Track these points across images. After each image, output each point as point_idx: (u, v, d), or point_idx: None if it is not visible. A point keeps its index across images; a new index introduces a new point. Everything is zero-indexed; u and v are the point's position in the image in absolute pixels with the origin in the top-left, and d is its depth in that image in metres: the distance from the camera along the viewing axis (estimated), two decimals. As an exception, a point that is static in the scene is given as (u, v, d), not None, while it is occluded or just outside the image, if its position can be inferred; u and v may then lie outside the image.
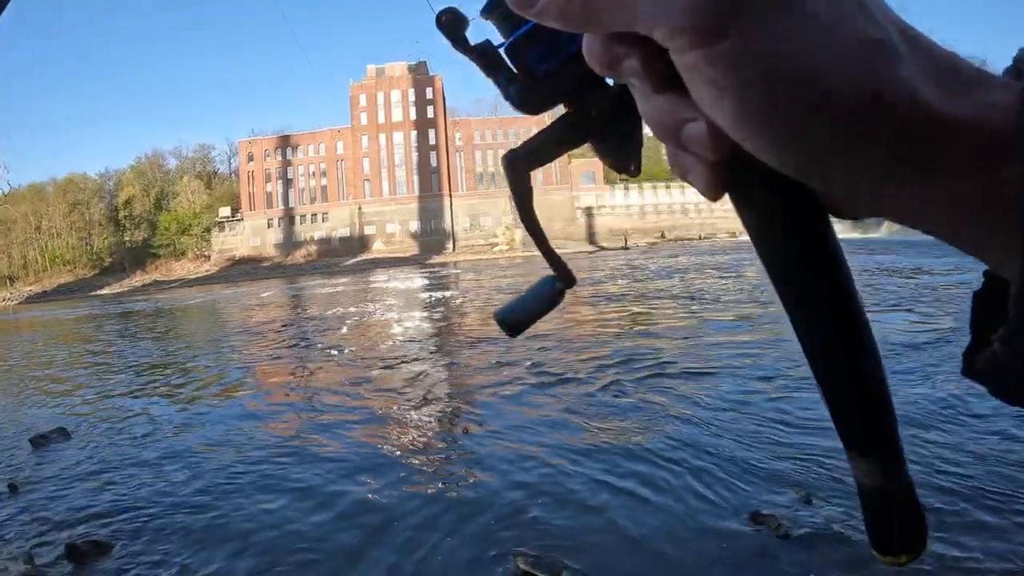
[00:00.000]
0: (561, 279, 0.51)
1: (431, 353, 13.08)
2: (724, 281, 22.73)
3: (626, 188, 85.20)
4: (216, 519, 5.26)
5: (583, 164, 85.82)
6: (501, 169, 0.47)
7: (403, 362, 12.00)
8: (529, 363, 10.64)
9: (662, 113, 0.38)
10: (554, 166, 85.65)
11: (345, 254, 79.69)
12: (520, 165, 0.47)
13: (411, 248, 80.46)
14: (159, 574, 4.59)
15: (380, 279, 43.90)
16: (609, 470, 5.64)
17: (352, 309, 23.86)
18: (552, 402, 8.03)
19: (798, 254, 0.39)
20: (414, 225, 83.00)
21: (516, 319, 0.53)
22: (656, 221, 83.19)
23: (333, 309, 23.96)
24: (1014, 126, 0.31)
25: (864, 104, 0.31)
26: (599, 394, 8.22)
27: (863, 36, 0.32)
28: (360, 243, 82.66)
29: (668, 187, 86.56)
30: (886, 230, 51.70)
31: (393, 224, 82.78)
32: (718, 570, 4.06)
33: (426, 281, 38.28)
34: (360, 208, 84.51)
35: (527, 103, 0.45)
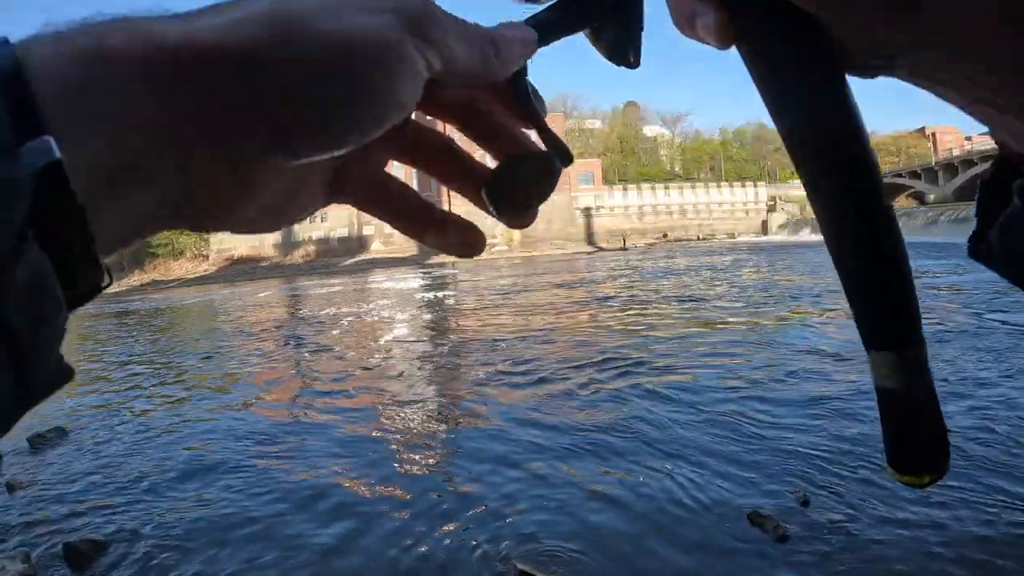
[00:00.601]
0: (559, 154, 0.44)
1: (422, 353, 13.08)
2: (718, 284, 22.72)
3: (624, 189, 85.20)
4: (212, 518, 5.27)
5: (581, 165, 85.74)
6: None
7: (393, 362, 12.02)
8: (519, 363, 10.66)
9: None
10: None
11: (343, 254, 79.64)
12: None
13: (409, 248, 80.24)
14: (155, 573, 4.60)
15: (378, 279, 43.91)
16: (602, 471, 5.65)
17: (347, 309, 23.86)
18: (542, 402, 8.03)
19: (811, 105, 0.37)
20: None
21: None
22: (655, 222, 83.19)
23: (328, 309, 23.96)
24: None
25: None
26: (591, 395, 8.23)
27: None
28: (359, 243, 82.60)
29: (667, 188, 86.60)
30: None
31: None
32: (716, 571, 4.06)
33: (424, 282, 38.30)
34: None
35: None
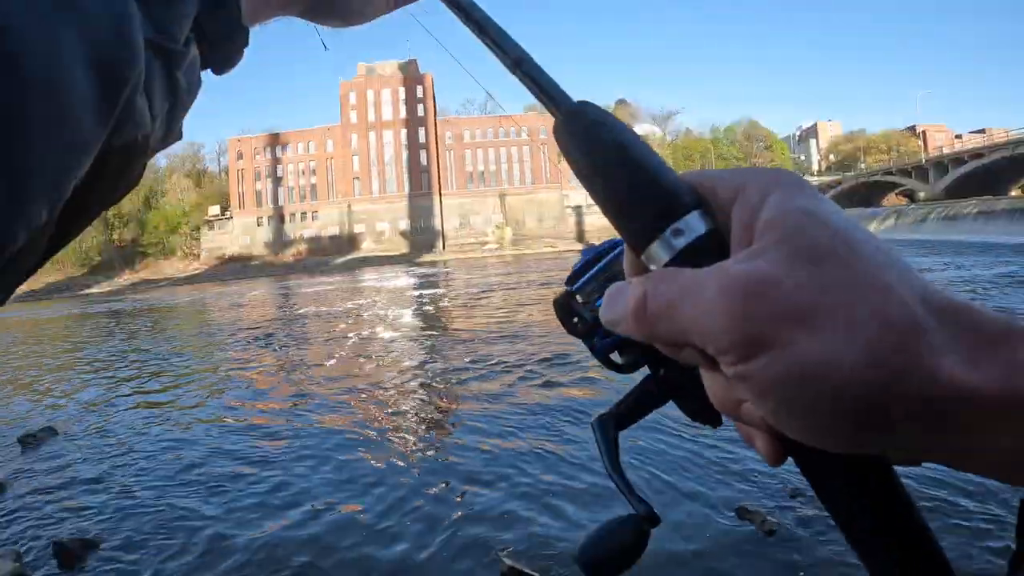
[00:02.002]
0: (645, 518, 0.49)
1: (410, 351, 13.11)
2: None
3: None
4: (201, 517, 5.28)
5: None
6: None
7: (381, 361, 12.05)
8: (505, 361, 10.69)
9: (722, 391, 0.42)
10: (544, 165, 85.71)
11: (334, 253, 79.51)
12: (609, 425, 0.53)
13: (401, 247, 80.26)
14: (144, 571, 4.60)
15: (369, 278, 43.89)
16: (588, 464, 5.67)
17: (338, 308, 23.87)
18: (527, 399, 8.07)
19: (864, 510, 0.41)
20: (404, 224, 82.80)
21: (599, 563, 0.50)
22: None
23: (319, 308, 23.94)
24: None
25: (883, 396, 0.34)
26: (575, 390, 8.28)
27: (881, 323, 0.35)
28: (350, 242, 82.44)
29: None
30: (874, 229, 51.91)
31: (383, 223, 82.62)
32: (704, 564, 4.09)
33: (413, 280, 38.30)
34: (350, 207, 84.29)
35: (613, 366, 0.52)
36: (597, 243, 0.51)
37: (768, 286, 0.36)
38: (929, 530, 0.40)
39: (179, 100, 0.40)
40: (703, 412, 0.48)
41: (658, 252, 0.42)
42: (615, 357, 0.52)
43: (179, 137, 0.40)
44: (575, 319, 0.53)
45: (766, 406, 0.38)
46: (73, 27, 0.30)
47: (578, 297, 0.54)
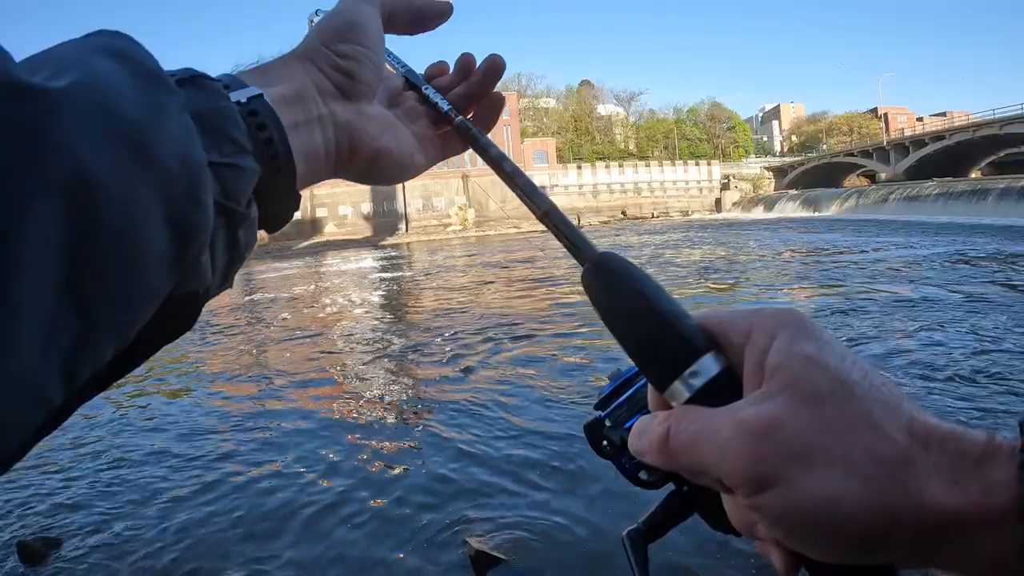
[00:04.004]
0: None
1: (373, 333, 13.05)
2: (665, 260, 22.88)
3: (579, 168, 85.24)
4: (167, 514, 5.20)
5: (535, 143, 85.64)
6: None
7: (345, 342, 11.99)
8: (475, 345, 10.67)
9: (739, 514, 0.46)
10: (507, 146, 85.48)
11: (297, 237, 78.62)
12: (639, 542, 0.55)
13: (364, 230, 79.67)
14: (110, 568, 4.52)
15: (332, 262, 43.63)
16: (563, 453, 5.66)
17: (299, 289, 23.75)
18: (497, 383, 8.06)
19: None
20: (366, 207, 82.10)
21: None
22: (609, 200, 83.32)
23: (282, 292, 23.78)
24: (1012, 500, 0.37)
25: (881, 524, 0.39)
26: (549, 380, 8.26)
27: (873, 459, 0.40)
28: (312, 226, 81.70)
29: (621, 167, 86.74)
30: (835, 210, 52.43)
31: (345, 206, 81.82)
32: (680, 555, 4.07)
33: (376, 264, 38.15)
34: (312, 190, 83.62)
35: (641, 483, 0.55)
36: (624, 368, 0.59)
37: (775, 429, 0.41)
38: None
39: (238, 256, 0.44)
40: (725, 525, 0.50)
41: (679, 391, 0.47)
42: (642, 475, 0.55)
43: (231, 286, 0.45)
44: (604, 443, 0.57)
45: (777, 532, 0.43)
46: (151, 183, 0.31)
47: (607, 421, 0.57)
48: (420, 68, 0.71)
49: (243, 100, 0.45)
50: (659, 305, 0.48)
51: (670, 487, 0.54)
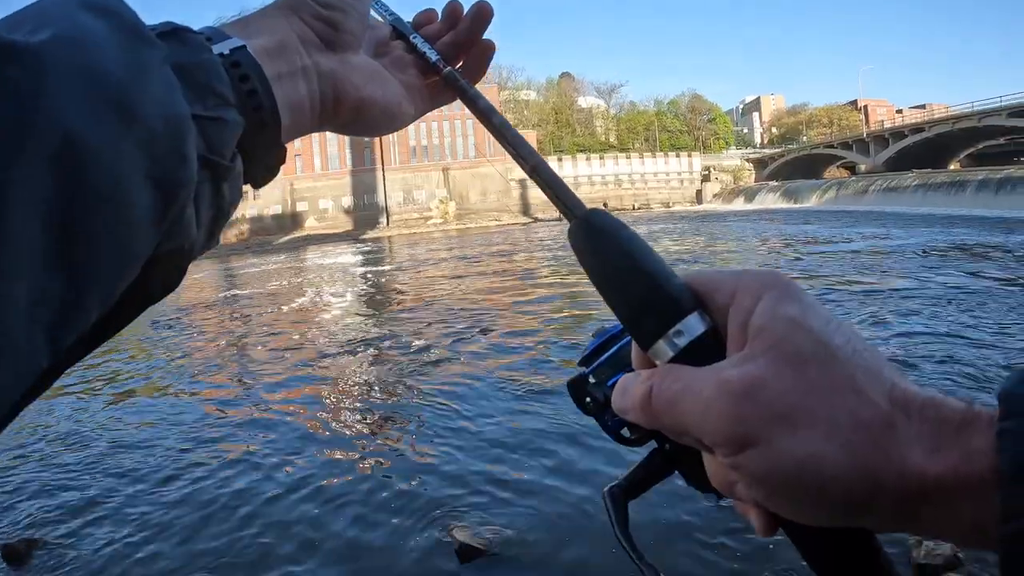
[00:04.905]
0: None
1: (354, 322, 13.07)
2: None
3: (560, 160, 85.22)
4: (148, 514, 5.18)
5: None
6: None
7: (325, 331, 11.99)
8: (455, 334, 10.70)
9: (718, 473, 0.46)
10: (487, 139, 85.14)
11: (278, 232, 78.34)
12: (620, 497, 0.55)
13: (345, 224, 79.44)
14: (91, 568, 4.51)
15: (313, 256, 43.52)
16: (545, 448, 5.68)
17: (278, 283, 23.71)
18: (476, 379, 8.07)
19: (849, 573, 0.45)
20: (347, 201, 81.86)
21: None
22: (590, 192, 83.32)
23: (263, 288, 23.71)
24: (990, 468, 0.37)
25: (863, 487, 0.39)
26: (526, 370, 8.29)
27: (856, 422, 0.39)
28: (293, 220, 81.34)
29: (602, 159, 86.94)
30: (815, 201, 52.76)
31: (326, 200, 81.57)
32: (651, 533, 4.10)
33: (357, 257, 38.13)
34: (292, 184, 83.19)
35: (624, 440, 0.55)
36: (608, 325, 0.58)
37: (757, 389, 0.41)
38: None
39: (223, 211, 0.43)
40: (705, 484, 0.50)
41: (662, 350, 0.47)
42: (625, 433, 0.54)
43: (217, 243, 0.45)
44: (588, 399, 0.56)
45: (756, 492, 0.42)
46: (136, 143, 0.31)
47: (591, 378, 0.56)
48: (408, 17, 0.69)
49: (225, 52, 0.45)
50: (646, 263, 0.48)
51: (652, 445, 0.54)
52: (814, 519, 0.42)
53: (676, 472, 0.54)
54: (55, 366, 0.34)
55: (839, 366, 0.41)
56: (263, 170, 0.49)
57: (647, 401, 0.46)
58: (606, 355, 0.57)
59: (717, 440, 0.42)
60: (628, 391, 0.48)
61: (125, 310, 0.37)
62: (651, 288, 0.47)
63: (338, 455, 5.92)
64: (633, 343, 0.51)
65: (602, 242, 0.50)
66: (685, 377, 0.44)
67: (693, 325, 0.46)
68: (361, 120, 0.62)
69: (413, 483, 5.18)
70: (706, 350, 0.45)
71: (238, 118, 0.43)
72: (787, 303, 0.44)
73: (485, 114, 0.60)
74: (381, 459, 5.75)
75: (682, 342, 0.46)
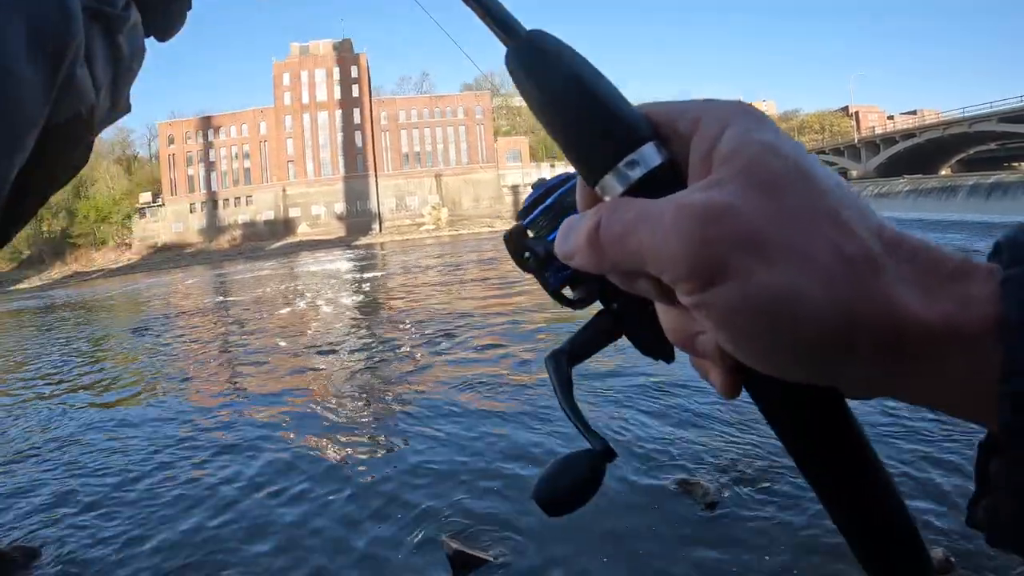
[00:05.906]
0: (601, 453, 0.49)
1: (346, 327, 13.06)
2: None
3: (552, 165, 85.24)
4: (145, 522, 5.17)
5: (509, 143, 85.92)
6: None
7: (318, 340, 11.98)
8: (439, 339, 10.72)
9: (677, 323, 0.42)
10: (480, 145, 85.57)
11: (270, 238, 78.47)
12: (562, 361, 0.52)
13: (337, 230, 79.59)
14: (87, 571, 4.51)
15: (305, 262, 43.54)
16: (538, 453, 5.69)
17: (271, 288, 23.67)
18: (461, 379, 8.09)
19: (817, 441, 0.42)
20: (339, 207, 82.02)
21: (556, 499, 0.50)
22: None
23: (254, 294, 23.71)
24: (991, 317, 0.34)
25: (841, 328, 0.34)
26: (506, 369, 8.30)
27: (839, 256, 0.35)
28: (285, 226, 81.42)
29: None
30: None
31: (318, 206, 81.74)
32: (643, 539, 4.10)
33: (349, 264, 38.15)
34: (285, 190, 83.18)
35: (566, 301, 0.52)
36: (549, 177, 0.56)
37: (726, 214, 0.35)
38: (879, 461, 0.41)
39: (123, 68, 0.36)
40: (656, 346, 0.47)
41: (612, 184, 0.41)
42: (567, 292, 0.51)
43: (128, 109, 0.34)
44: (527, 254, 0.53)
45: (724, 335, 0.37)
46: (11, 3, 0.26)
47: (529, 232, 0.53)
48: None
49: None
50: (596, 87, 0.42)
51: (598, 307, 0.50)
52: (783, 368, 0.37)
53: (624, 336, 0.51)
54: None
55: (821, 196, 0.36)
56: (165, 20, 0.39)
57: (595, 235, 0.40)
58: (546, 203, 0.53)
59: (680, 272, 0.36)
60: (573, 229, 0.42)
61: (30, 193, 0.33)
62: (601, 112, 0.41)
63: (327, 458, 5.90)
64: (579, 181, 0.45)
65: (545, 64, 0.43)
66: (640, 206, 0.39)
67: (649, 155, 0.40)
68: None
69: (402, 489, 5.17)
70: (663, 185, 0.39)
71: None
72: (760, 130, 0.39)
73: None
74: (369, 464, 5.74)
75: (636, 174, 0.40)
